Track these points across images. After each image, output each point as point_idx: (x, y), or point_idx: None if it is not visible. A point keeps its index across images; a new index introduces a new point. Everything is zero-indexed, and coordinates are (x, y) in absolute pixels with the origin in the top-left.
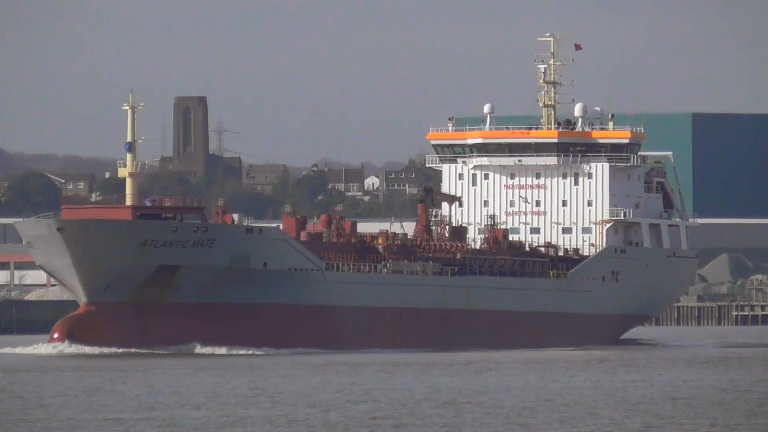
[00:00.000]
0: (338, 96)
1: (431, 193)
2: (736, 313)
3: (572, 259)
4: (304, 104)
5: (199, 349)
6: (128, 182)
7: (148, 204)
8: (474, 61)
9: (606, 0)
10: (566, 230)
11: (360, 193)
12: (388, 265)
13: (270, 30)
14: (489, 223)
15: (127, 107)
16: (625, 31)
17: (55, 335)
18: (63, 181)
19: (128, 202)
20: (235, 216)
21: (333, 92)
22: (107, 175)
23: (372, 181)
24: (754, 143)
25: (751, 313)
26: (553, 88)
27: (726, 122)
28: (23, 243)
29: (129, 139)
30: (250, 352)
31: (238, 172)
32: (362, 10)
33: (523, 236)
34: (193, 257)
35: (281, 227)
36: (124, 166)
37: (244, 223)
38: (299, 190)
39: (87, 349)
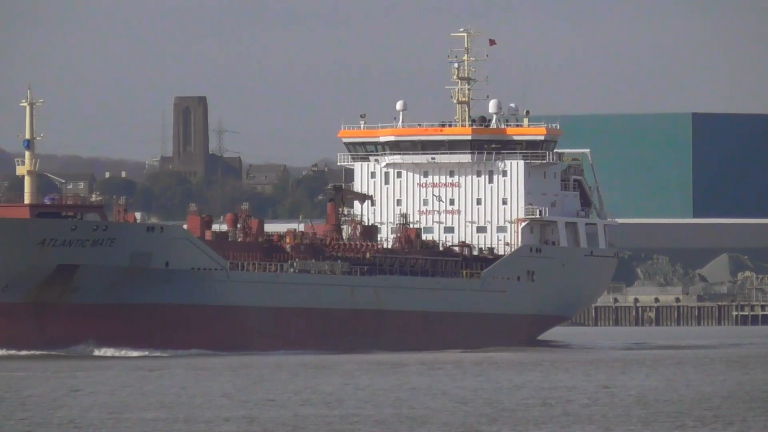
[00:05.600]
0: (338, 96)
1: (341, 192)
2: (736, 313)
3: (487, 259)
4: (304, 104)
5: (98, 351)
6: (26, 180)
7: (47, 202)
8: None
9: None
10: (481, 229)
11: None
12: (295, 264)
13: (270, 30)
14: (401, 222)
15: (25, 104)
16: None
17: None
18: (63, 181)
19: (26, 200)
20: (138, 214)
21: (333, 92)
22: (107, 175)
23: None
24: (754, 143)
25: (751, 313)
26: (466, 85)
27: (726, 122)
28: None
29: (27, 136)
30: (151, 353)
31: (238, 172)
32: (361, 10)
33: (437, 235)
34: (92, 256)
35: (185, 226)
36: (23, 163)
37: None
38: (299, 190)
39: None
